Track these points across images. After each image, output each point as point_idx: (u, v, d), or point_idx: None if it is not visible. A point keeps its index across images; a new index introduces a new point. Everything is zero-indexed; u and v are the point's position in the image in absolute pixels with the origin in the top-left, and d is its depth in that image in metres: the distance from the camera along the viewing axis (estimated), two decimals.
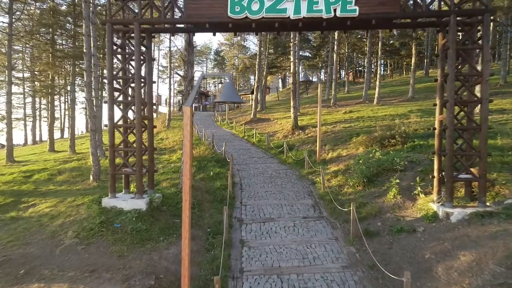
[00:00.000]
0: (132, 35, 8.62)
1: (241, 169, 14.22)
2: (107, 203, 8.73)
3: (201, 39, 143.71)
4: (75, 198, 10.89)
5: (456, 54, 7.84)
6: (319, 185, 11.61)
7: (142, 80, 9.07)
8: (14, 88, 37.83)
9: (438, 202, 8.31)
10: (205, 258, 7.31)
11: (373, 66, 38.67)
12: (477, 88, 9.46)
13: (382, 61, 29.08)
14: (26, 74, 31.96)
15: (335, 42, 30.25)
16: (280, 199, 10.68)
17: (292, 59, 20.24)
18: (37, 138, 41.96)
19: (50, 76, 23.31)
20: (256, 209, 9.94)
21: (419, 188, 9.07)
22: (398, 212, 8.73)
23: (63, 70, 22.93)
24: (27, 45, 25.41)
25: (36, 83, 26.52)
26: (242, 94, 46.94)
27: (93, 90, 12.81)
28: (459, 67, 8.33)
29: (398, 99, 29.88)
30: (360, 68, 63.07)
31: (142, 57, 9.18)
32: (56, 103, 43.93)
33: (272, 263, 7.12)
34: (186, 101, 5.12)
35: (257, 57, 28.58)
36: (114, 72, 8.92)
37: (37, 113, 40.88)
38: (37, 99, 37.95)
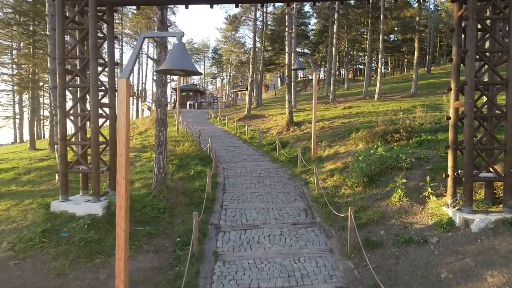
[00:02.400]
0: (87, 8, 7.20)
1: (227, 167, 12.79)
2: (57, 207, 7.31)
3: (199, 37, 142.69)
4: (33, 200, 9.48)
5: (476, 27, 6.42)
6: (313, 185, 10.19)
7: (102, 61, 7.66)
8: (2, 85, 36.49)
9: (454, 206, 6.88)
10: (166, 277, 5.88)
11: (373, 65, 37.25)
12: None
13: (383, 58, 27.56)
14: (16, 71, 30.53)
15: (334, 36, 28.82)
16: (268, 202, 9.26)
17: (287, 49, 18.81)
18: (27, 137, 40.51)
19: (30, 69, 21.92)
20: (238, 213, 8.51)
21: (429, 189, 7.64)
22: (405, 218, 7.30)
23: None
24: (9, 37, 23.94)
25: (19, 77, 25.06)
26: (238, 91, 45.45)
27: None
28: (479, 44, 6.88)
29: (400, 95, 28.49)
30: (360, 67, 61.85)
31: (102, 34, 7.77)
32: (47, 100, 42.58)
33: (250, 283, 5.69)
34: (123, 71, 3.65)
35: (251, 50, 27.14)
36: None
37: (26, 109, 39.45)
38: (26, 96, 36.55)
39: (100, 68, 7.55)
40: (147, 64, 56.53)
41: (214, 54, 74.06)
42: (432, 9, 51.89)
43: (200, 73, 3.97)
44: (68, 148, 7.67)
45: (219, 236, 7.36)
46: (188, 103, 42.41)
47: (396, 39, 52.40)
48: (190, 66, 3.69)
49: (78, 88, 7.78)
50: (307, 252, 6.66)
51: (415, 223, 7.03)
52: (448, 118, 7.25)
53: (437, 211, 7.16)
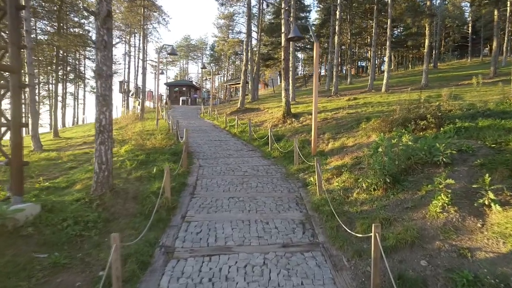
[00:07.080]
0: None
1: (205, 164, 10.17)
2: None
3: (197, 34, 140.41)
4: None
5: None
6: (314, 187, 7.59)
7: None
8: None
9: None
10: None
11: (377, 60, 34.75)
12: None
13: (389, 48, 24.99)
14: None
15: (337, 23, 26.23)
16: (250, 211, 6.63)
17: (283, 29, 16.18)
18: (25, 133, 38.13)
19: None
20: (205, 229, 5.88)
21: (490, 194, 5.02)
22: (458, 240, 4.68)
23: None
24: None
25: None
26: (233, 84, 42.86)
27: None
28: None
29: (409, 87, 25.95)
30: (362, 64, 59.59)
31: None
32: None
33: None
34: None
35: (245, 35, 24.53)
36: None
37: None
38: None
39: None
40: (140, 59, 53.99)
41: (212, 52, 72.99)
42: (439, 1, 49.23)
43: None
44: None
45: (167, 267, 4.72)
46: (180, 98, 39.77)
47: (400, 34, 49.84)
48: None
49: None
50: None
51: (476, 250, 4.41)
52: None
53: (509, 229, 4.55)
